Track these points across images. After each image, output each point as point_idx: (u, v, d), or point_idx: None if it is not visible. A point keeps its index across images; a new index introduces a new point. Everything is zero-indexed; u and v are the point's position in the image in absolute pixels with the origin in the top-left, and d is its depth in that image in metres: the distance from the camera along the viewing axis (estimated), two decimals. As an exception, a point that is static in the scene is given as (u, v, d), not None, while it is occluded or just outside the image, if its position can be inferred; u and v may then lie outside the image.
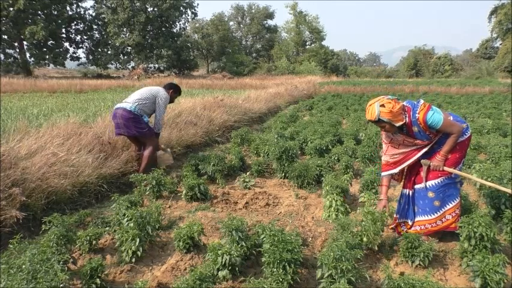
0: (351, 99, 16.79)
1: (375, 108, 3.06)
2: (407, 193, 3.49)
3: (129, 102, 5.00)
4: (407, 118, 3.12)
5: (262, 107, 12.45)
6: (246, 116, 10.41)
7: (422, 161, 3.29)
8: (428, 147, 3.26)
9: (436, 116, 3.06)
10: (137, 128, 4.97)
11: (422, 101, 3.18)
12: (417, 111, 3.10)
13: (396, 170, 3.41)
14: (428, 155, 3.29)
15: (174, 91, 5.47)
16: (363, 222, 3.14)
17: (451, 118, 3.15)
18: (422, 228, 3.32)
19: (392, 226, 3.59)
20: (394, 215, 3.58)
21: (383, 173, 3.48)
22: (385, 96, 3.15)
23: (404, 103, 3.18)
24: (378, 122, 3.11)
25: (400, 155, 3.35)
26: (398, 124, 3.09)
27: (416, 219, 3.39)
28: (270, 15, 60.20)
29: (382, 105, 3.05)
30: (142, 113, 5.03)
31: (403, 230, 3.45)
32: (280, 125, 9.37)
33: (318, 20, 58.65)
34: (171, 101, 5.49)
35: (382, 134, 3.43)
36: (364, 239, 3.06)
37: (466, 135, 3.22)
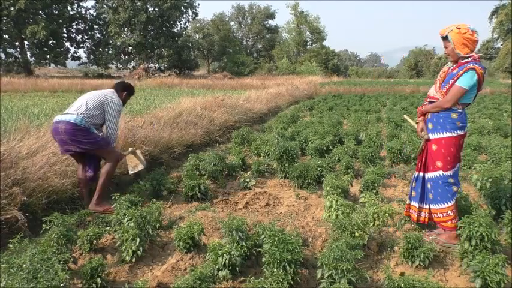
0: (351, 100, 16.80)
1: (451, 27, 3.12)
2: (419, 176, 3.46)
3: (73, 113, 4.05)
4: (468, 60, 3.10)
5: (263, 107, 12.45)
6: (246, 116, 10.42)
7: (421, 133, 3.36)
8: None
9: (467, 80, 3.05)
10: (88, 139, 4.01)
11: (480, 69, 3.10)
12: (472, 66, 3.06)
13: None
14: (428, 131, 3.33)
15: (128, 93, 4.56)
16: (353, 219, 3.21)
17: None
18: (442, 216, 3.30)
19: (406, 214, 3.59)
20: (407, 202, 3.58)
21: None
22: (469, 25, 3.13)
23: (477, 56, 3.13)
24: (445, 38, 3.15)
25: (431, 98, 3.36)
26: (457, 51, 3.09)
27: (431, 206, 3.38)
28: (271, 16, 60.25)
29: (459, 28, 3.08)
30: (90, 125, 4.07)
31: (424, 218, 3.44)
32: (280, 125, 9.36)
33: (319, 20, 58.89)
34: (123, 104, 4.50)
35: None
36: (356, 234, 3.11)
37: (456, 132, 3.19)
